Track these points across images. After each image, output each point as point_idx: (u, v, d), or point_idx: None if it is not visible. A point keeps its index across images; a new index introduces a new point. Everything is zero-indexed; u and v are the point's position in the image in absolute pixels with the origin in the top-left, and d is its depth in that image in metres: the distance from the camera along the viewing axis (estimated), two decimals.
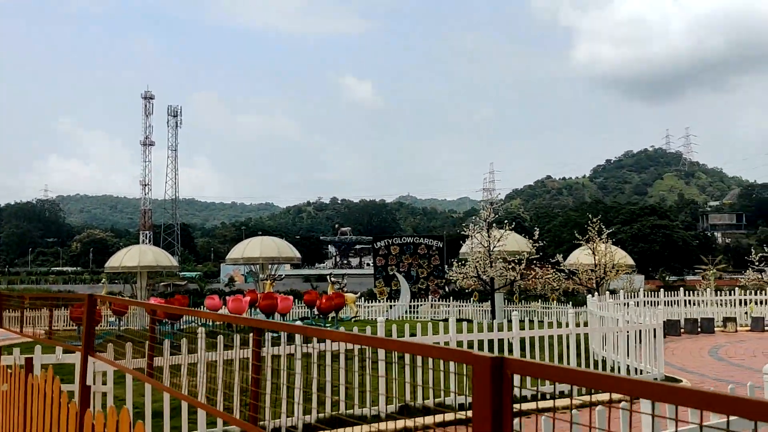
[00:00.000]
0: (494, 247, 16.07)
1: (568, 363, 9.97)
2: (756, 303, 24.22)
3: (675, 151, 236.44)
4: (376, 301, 32.06)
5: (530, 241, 22.30)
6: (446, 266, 40.39)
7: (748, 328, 22.45)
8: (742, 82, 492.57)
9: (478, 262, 15.96)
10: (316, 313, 16.85)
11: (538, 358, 9.18)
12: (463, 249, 30.82)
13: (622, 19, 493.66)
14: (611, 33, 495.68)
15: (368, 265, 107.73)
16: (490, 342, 9.57)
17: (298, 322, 19.54)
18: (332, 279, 22.08)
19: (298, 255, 30.03)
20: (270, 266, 27.70)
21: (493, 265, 16.09)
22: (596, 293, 16.80)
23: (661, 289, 24.10)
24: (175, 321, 15.36)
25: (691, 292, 25.53)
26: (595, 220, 21.54)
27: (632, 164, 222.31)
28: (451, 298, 33.65)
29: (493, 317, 25.10)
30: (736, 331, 21.83)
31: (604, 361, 11.71)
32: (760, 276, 28.92)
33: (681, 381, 11.27)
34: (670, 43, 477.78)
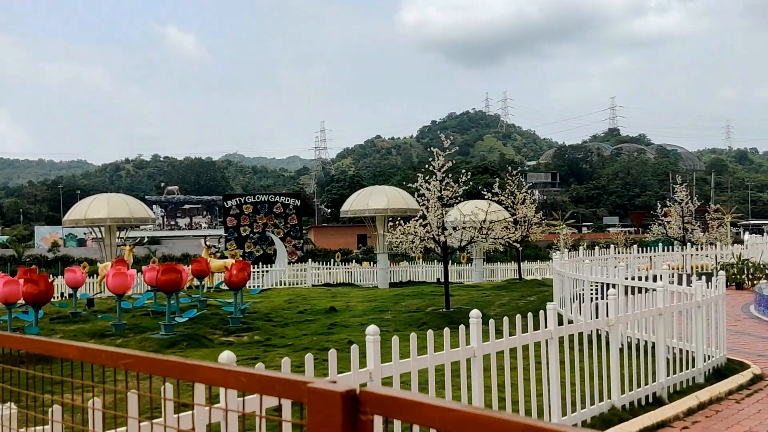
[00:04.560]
0: (447, 202, 14.59)
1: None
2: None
3: (494, 114, 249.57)
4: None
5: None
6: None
7: None
8: (556, 51, 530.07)
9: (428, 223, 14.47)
10: (225, 287, 14.41)
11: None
12: (350, 206, 29.35)
13: None
14: None
15: (200, 225, 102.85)
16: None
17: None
18: (207, 243, 19.75)
19: (153, 215, 26.83)
20: (119, 229, 24.34)
21: (447, 227, 14.73)
22: (558, 251, 16.18)
23: (610, 246, 23.18)
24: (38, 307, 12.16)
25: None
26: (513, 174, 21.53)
27: (455, 125, 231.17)
28: (311, 260, 32.25)
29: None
30: None
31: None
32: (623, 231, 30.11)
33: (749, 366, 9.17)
34: (492, 9, 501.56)
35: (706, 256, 24.15)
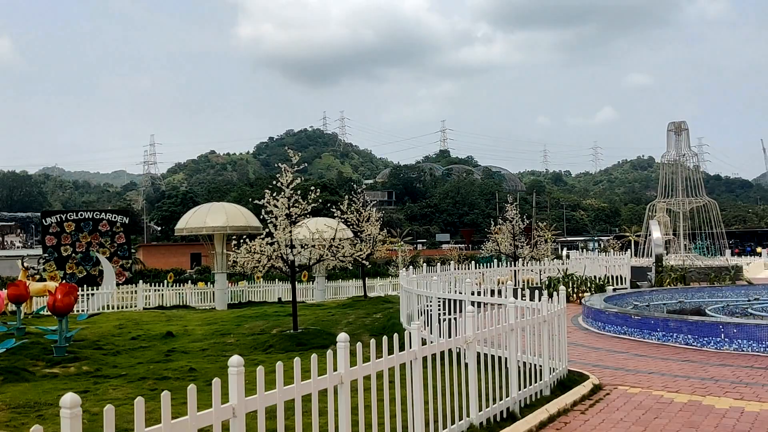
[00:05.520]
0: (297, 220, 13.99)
1: None
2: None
3: (332, 133, 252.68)
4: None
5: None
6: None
7: None
8: (390, 74, 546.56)
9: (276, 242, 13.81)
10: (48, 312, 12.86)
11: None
12: (185, 224, 27.78)
13: (285, 1, 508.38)
14: (275, 14, 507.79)
15: (14, 245, 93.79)
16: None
17: None
18: (25, 264, 17.63)
19: None
20: None
21: (295, 245, 14.10)
22: (407, 268, 16.00)
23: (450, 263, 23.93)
24: None
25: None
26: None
27: (293, 142, 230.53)
28: (141, 281, 30.35)
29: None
30: None
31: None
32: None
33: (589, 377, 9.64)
34: (330, 29, 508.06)
35: (531, 271, 25.67)
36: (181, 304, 30.02)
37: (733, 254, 40.79)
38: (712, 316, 14.59)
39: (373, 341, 5.74)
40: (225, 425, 4.23)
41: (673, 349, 12.50)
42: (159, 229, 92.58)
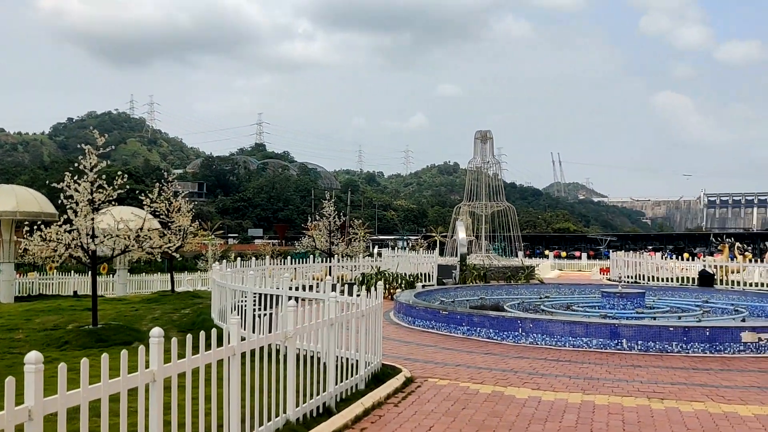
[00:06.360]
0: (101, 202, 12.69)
1: None
2: None
3: (139, 117, 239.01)
4: None
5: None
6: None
7: None
8: (205, 61, 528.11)
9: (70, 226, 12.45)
10: None
11: None
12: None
13: None
14: None
15: None
16: None
17: None
18: None
19: None
20: None
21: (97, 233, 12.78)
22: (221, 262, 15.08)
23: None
24: None
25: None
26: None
27: (96, 125, 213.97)
28: None
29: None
30: None
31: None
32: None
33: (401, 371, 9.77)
34: (142, 10, 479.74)
35: (344, 267, 26.09)
36: None
37: (524, 256, 44.29)
38: (511, 312, 15.67)
39: (189, 336, 5.37)
40: (18, 429, 3.71)
41: (477, 342, 13.24)
42: None
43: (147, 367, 4.85)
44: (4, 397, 3.64)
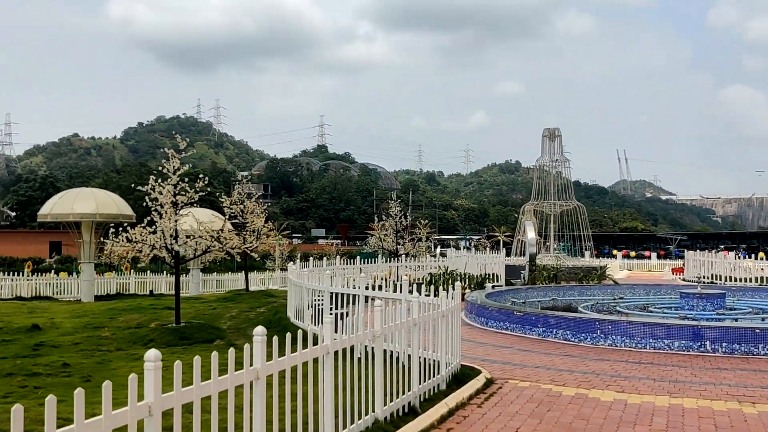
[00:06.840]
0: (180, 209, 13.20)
1: None
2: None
3: (206, 121, 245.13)
4: None
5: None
6: None
7: None
8: (268, 65, 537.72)
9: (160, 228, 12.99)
10: None
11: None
12: (50, 210, 25.78)
13: None
14: None
15: None
16: None
17: None
18: None
19: None
20: None
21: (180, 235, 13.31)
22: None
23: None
24: None
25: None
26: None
27: (164, 129, 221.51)
28: None
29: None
30: None
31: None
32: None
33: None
34: (209, 16, 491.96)
35: (409, 267, 26.12)
36: (41, 295, 27.98)
37: (592, 256, 43.46)
38: (588, 314, 15.42)
39: (276, 338, 5.53)
40: (140, 424, 3.91)
41: (553, 344, 13.09)
42: (13, 214, 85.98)
43: (251, 364, 5.01)
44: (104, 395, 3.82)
